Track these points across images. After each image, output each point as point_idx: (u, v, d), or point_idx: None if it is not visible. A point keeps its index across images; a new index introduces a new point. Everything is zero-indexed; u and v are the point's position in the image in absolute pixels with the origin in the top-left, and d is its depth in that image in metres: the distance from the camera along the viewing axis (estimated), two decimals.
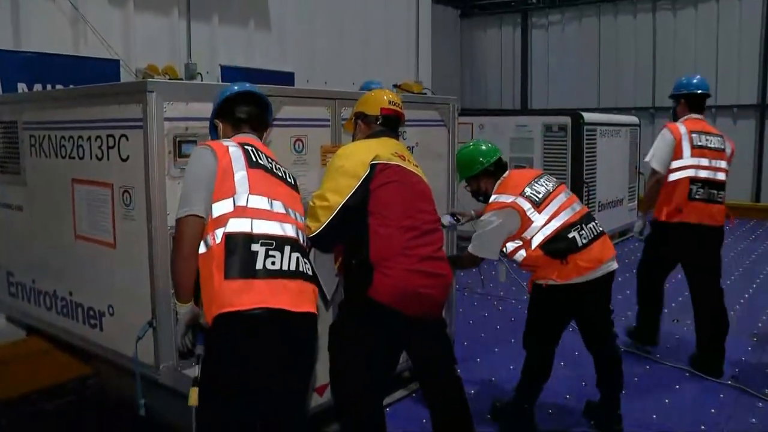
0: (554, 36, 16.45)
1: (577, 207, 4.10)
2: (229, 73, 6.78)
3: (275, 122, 3.58)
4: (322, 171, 3.91)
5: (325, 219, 3.17)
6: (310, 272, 2.82)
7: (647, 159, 5.38)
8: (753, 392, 4.81)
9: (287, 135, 3.71)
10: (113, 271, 3.48)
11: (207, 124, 3.29)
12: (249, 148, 2.81)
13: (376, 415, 3.53)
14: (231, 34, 6.60)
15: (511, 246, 4.03)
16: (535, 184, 4.07)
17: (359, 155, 3.33)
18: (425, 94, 8.39)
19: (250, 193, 2.69)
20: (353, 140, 3.67)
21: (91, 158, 3.51)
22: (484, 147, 4.27)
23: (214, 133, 3.08)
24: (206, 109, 3.28)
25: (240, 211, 2.65)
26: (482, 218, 4.07)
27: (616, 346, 4.31)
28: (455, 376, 3.65)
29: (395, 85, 8.30)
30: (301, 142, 3.80)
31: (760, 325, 6.49)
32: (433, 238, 3.43)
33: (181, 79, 5.91)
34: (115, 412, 4.51)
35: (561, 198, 4.08)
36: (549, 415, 4.54)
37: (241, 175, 2.70)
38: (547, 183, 4.13)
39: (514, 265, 4.19)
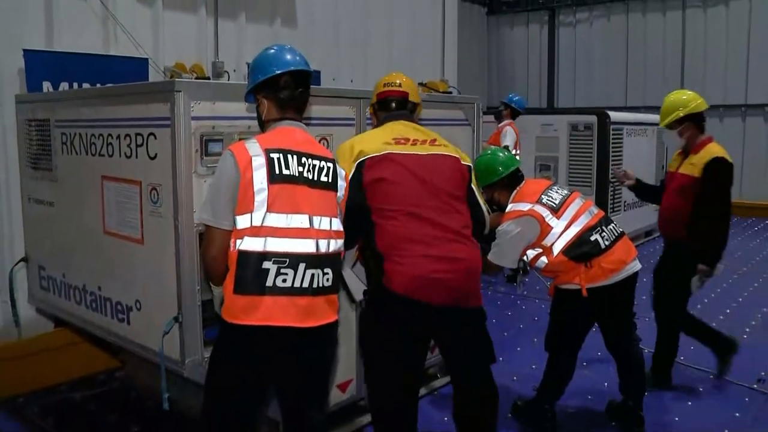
0: (582, 34, 16.30)
1: (594, 210, 4.09)
2: None
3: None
4: None
5: None
6: (329, 283, 2.81)
7: None
8: None
9: (313, 134, 3.69)
10: (140, 267, 3.54)
11: (233, 123, 3.37)
12: (275, 156, 2.70)
13: (405, 409, 3.48)
14: (258, 32, 6.63)
15: (531, 254, 4.02)
16: (550, 192, 4.06)
17: (344, 156, 3.30)
18: (451, 92, 8.38)
19: (267, 211, 2.66)
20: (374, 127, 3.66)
21: (120, 156, 3.57)
22: (502, 156, 4.23)
23: (251, 97, 2.94)
24: (233, 108, 3.35)
25: (255, 230, 2.65)
26: (500, 228, 3.99)
27: (639, 348, 4.29)
28: (485, 374, 3.56)
29: (421, 84, 8.31)
30: (326, 141, 3.83)
31: None
32: (449, 219, 3.27)
33: (208, 78, 5.97)
34: (143, 404, 4.61)
35: (578, 202, 4.06)
36: (570, 415, 4.53)
37: (260, 191, 2.66)
38: (561, 190, 4.13)
39: (537, 271, 4.18)
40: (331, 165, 2.90)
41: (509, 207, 4.08)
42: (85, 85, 5.12)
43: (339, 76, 7.70)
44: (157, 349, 3.33)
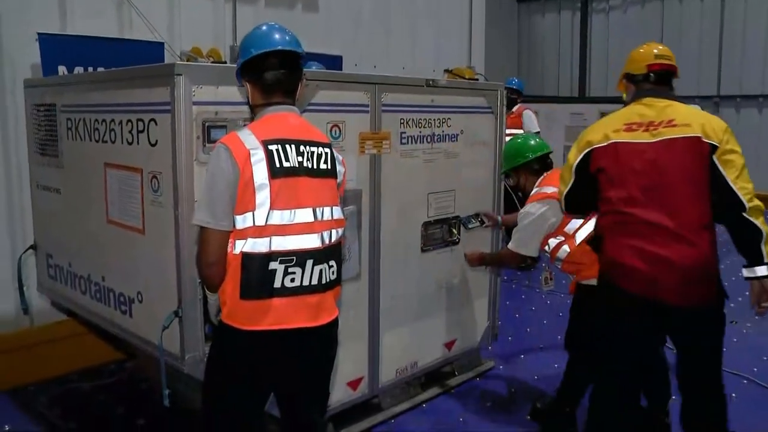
0: (615, 20, 15.87)
1: None
2: None
3: (310, 107, 3.47)
4: (359, 159, 3.78)
5: (561, 203, 3.37)
6: (334, 276, 2.67)
7: None
8: None
9: (323, 120, 3.57)
10: (142, 258, 3.41)
11: (238, 108, 3.19)
12: (274, 148, 2.52)
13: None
14: (277, 17, 6.47)
15: (553, 242, 3.83)
16: None
17: (578, 144, 3.20)
18: (477, 80, 8.13)
19: (270, 209, 2.48)
20: (624, 104, 3.34)
21: (122, 142, 3.43)
22: (533, 141, 4.17)
23: (240, 79, 2.73)
24: (237, 92, 3.18)
25: (258, 230, 2.47)
26: (522, 210, 3.91)
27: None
28: (712, 384, 3.15)
29: (446, 70, 8.08)
30: (338, 128, 3.66)
31: None
32: (669, 212, 2.93)
33: (225, 62, 5.82)
34: (152, 396, 4.50)
35: None
36: None
37: (262, 187, 2.47)
38: None
39: (557, 266, 3.97)
40: (328, 150, 2.69)
41: (534, 190, 3.99)
42: (100, 70, 5.01)
43: (361, 62, 7.49)
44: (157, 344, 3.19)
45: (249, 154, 2.47)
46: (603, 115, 8.27)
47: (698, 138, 2.96)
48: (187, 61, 5.44)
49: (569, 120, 9.47)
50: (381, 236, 3.97)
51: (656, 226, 2.94)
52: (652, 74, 3.24)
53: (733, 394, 4.46)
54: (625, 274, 3.02)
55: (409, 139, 4.07)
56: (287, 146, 2.56)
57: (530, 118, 8.19)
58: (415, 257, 4.25)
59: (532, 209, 3.88)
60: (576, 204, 3.34)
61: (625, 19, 15.73)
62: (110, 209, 3.60)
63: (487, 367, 5.05)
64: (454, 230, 4.46)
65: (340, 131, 3.66)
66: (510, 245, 4.00)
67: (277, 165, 2.51)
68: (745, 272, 3.01)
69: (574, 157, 3.19)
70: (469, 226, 4.48)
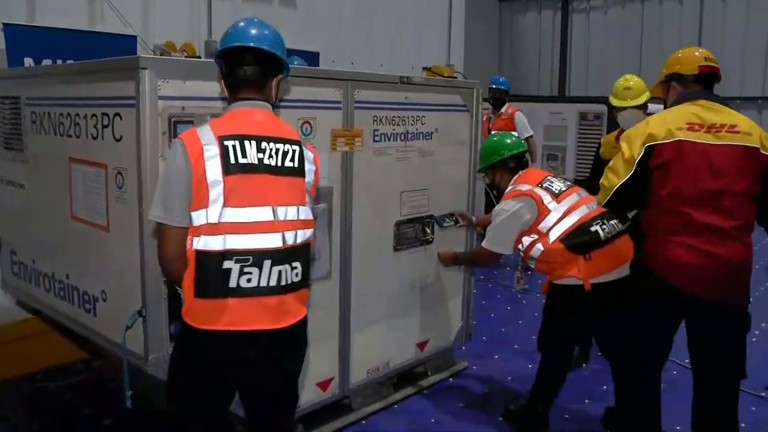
0: (595, 21, 15.95)
1: (595, 206, 3.86)
2: None
3: (281, 103, 3.40)
4: (331, 156, 3.73)
5: (603, 199, 3.29)
6: (298, 278, 2.57)
7: None
8: None
9: (294, 117, 3.50)
10: (106, 256, 3.33)
11: (205, 103, 3.13)
12: (230, 143, 2.44)
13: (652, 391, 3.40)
14: (254, 11, 6.41)
15: (527, 241, 3.80)
16: (552, 179, 3.95)
17: (637, 139, 3.17)
18: (456, 78, 8.10)
19: (224, 206, 2.40)
20: (666, 104, 3.43)
21: (87, 137, 3.34)
22: (509, 140, 4.14)
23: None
24: (205, 87, 3.11)
25: (212, 228, 2.40)
26: (497, 208, 3.89)
27: None
28: (732, 384, 3.29)
29: (425, 68, 8.05)
30: (309, 124, 3.59)
31: None
32: (725, 214, 3.05)
33: (200, 57, 5.75)
34: (119, 395, 4.41)
35: (580, 193, 3.92)
36: (565, 420, 4.30)
37: (215, 184, 2.39)
38: (564, 182, 4.00)
39: (530, 268, 3.94)
40: (297, 148, 2.60)
41: (509, 188, 3.98)
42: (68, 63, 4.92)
43: (339, 59, 7.45)
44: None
45: (202, 149, 2.40)
46: (582, 115, 8.27)
47: (758, 149, 3.09)
48: (161, 55, 5.36)
49: (549, 119, 9.45)
50: (352, 235, 3.91)
51: (713, 227, 3.04)
52: (702, 76, 3.32)
53: None
54: (678, 271, 3.09)
55: (383, 136, 4.02)
56: (246, 142, 2.48)
57: (523, 121, 8.00)
58: (387, 256, 4.20)
59: (506, 206, 3.85)
60: (624, 199, 3.28)
61: (605, 20, 15.82)
62: (75, 205, 3.52)
63: (461, 367, 5.01)
64: (427, 229, 4.41)
65: (311, 128, 3.60)
66: (484, 243, 3.97)
67: (232, 161, 2.43)
68: None
69: (636, 150, 3.14)
70: (444, 225, 4.44)
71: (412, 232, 4.33)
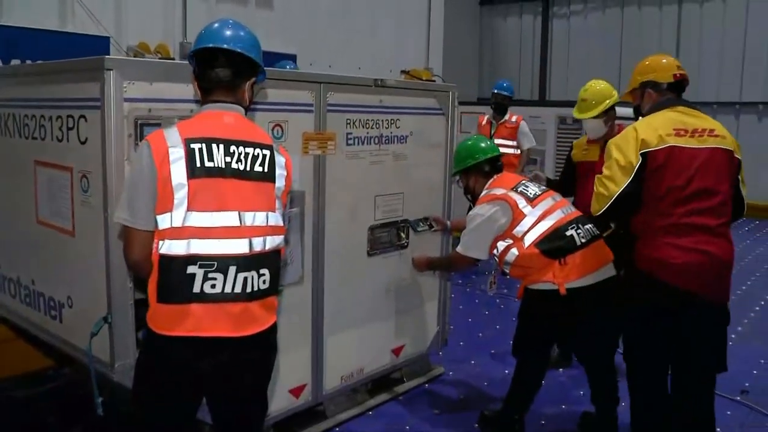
0: (576, 26, 16.01)
1: (570, 209, 3.86)
2: None
3: (252, 106, 3.34)
4: (303, 159, 3.67)
5: (600, 208, 3.25)
6: (266, 285, 2.51)
7: None
8: (763, 411, 4.50)
9: (265, 120, 3.45)
10: (72, 261, 3.26)
11: (173, 105, 3.07)
12: (197, 146, 2.38)
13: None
14: (230, 13, 6.35)
15: (502, 245, 3.77)
16: (527, 183, 3.93)
17: (630, 146, 3.21)
18: (434, 81, 8.08)
19: (188, 210, 2.35)
20: (641, 110, 3.54)
21: (52, 139, 3.28)
22: (483, 144, 4.09)
23: None
24: (173, 89, 3.06)
25: (176, 232, 2.35)
26: (472, 212, 3.86)
27: (611, 357, 4.04)
28: (711, 381, 3.37)
29: (403, 71, 8.02)
30: (281, 127, 3.54)
31: None
32: (712, 214, 3.18)
33: (174, 59, 5.67)
34: (90, 403, 4.32)
35: (555, 197, 3.91)
36: (542, 425, 4.27)
37: (179, 187, 2.34)
38: (539, 186, 3.98)
39: (506, 273, 3.90)
40: (267, 152, 2.54)
41: (483, 192, 3.94)
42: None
43: (317, 61, 7.41)
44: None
45: (168, 151, 2.35)
46: (561, 119, 8.21)
47: (733, 152, 3.29)
48: (134, 56, 5.28)
49: (528, 123, 9.41)
50: (325, 239, 3.86)
51: (703, 226, 3.16)
52: (676, 83, 3.45)
53: None
54: (674, 271, 3.15)
55: (356, 140, 3.97)
56: (214, 145, 2.42)
57: (526, 131, 7.78)
58: (361, 261, 4.15)
59: (481, 211, 3.82)
60: (624, 207, 3.24)
61: (585, 24, 15.89)
62: (40, 209, 3.45)
63: (437, 372, 4.97)
64: (402, 234, 4.37)
65: (282, 131, 3.54)
66: (458, 248, 3.94)
67: (198, 164, 2.38)
68: None
69: (633, 157, 3.19)
70: (418, 229, 4.40)
71: (387, 236, 4.29)
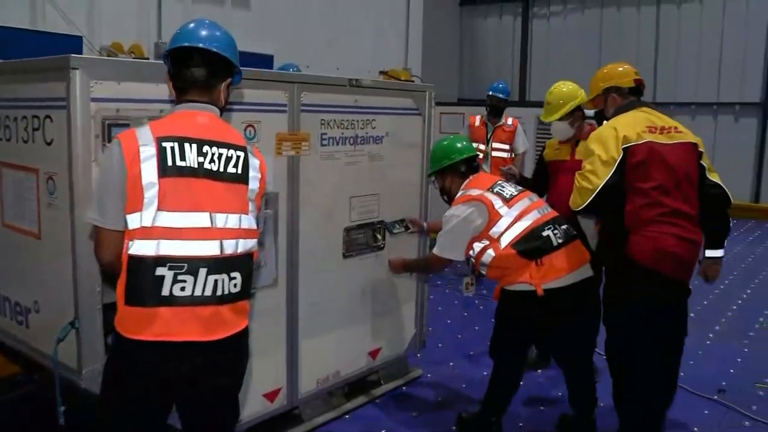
0: (555, 26, 16.07)
1: (547, 209, 3.83)
2: None
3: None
4: (277, 160, 3.62)
5: (583, 202, 3.39)
6: (237, 288, 2.46)
7: None
8: (740, 410, 4.50)
9: (238, 120, 3.39)
10: (38, 265, 3.18)
11: (142, 106, 3.01)
12: (169, 145, 2.35)
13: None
14: (206, 13, 6.26)
15: (478, 246, 3.73)
16: (503, 184, 3.89)
17: (611, 142, 3.40)
18: (413, 82, 8.05)
19: (158, 209, 2.30)
20: (605, 113, 3.77)
21: (17, 140, 3.19)
22: (459, 144, 4.04)
23: None
24: (142, 89, 3.00)
25: (146, 232, 2.29)
26: (447, 213, 3.82)
27: (589, 358, 4.03)
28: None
29: (382, 72, 7.99)
30: (253, 128, 3.49)
31: (751, 334, 6.17)
32: (689, 203, 3.42)
33: (148, 59, 5.59)
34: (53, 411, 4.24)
35: (532, 197, 3.88)
36: (519, 428, 4.25)
37: (150, 186, 2.29)
38: (515, 187, 3.95)
39: (482, 274, 3.87)
40: (242, 154, 2.50)
41: (459, 193, 3.90)
42: None
43: (295, 61, 7.31)
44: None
45: (138, 150, 2.30)
46: (541, 120, 8.22)
47: (696, 145, 3.53)
48: (107, 56, 5.20)
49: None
50: (300, 241, 3.81)
51: (686, 215, 3.39)
52: (636, 87, 3.72)
53: None
54: (668, 260, 3.32)
55: (331, 140, 3.93)
56: (186, 144, 2.38)
57: (523, 135, 7.58)
58: (336, 263, 4.10)
59: (456, 212, 3.78)
60: (605, 200, 3.38)
61: (565, 25, 15.95)
62: (6, 212, 3.37)
63: (415, 375, 4.93)
64: (378, 235, 4.33)
65: (255, 131, 3.49)
66: (434, 250, 3.90)
67: (169, 163, 2.33)
68: (712, 253, 3.65)
69: (614, 151, 3.38)
70: (394, 231, 4.36)
71: (363, 238, 4.24)
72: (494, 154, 7.25)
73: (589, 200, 3.37)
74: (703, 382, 4.89)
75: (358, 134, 4.10)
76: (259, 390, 3.74)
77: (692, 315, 6.45)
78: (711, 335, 6.12)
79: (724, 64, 13.77)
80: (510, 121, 7.50)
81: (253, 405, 3.69)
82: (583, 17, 15.66)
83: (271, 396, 3.83)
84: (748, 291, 7.70)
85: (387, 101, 4.31)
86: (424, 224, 4.56)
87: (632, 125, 3.46)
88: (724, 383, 4.92)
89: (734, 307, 7.04)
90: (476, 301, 6.88)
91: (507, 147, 7.37)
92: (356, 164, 4.12)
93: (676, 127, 3.54)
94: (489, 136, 7.39)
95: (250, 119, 3.47)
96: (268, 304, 3.68)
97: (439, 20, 15.42)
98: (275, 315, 3.77)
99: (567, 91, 4.66)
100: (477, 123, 7.52)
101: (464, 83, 17.03)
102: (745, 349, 5.72)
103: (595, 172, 3.38)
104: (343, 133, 4.00)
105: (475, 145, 6.84)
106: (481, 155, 6.87)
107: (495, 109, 7.39)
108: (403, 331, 4.75)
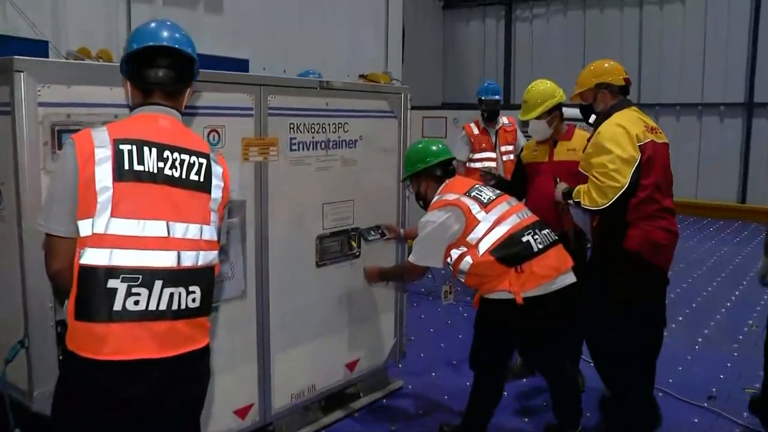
0: (538, 29, 16.00)
1: (527, 213, 3.68)
2: None
3: (186, 110, 3.13)
4: (243, 166, 3.46)
5: (613, 197, 3.52)
6: (195, 303, 2.29)
7: None
8: (730, 417, 4.37)
9: (200, 125, 3.24)
10: None
11: (95, 110, 2.84)
12: (126, 148, 2.19)
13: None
14: (177, 17, 6.06)
15: (455, 254, 3.57)
16: (481, 188, 3.73)
17: (627, 141, 3.55)
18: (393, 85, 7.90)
19: (111, 216, 2.14)
20: (594, 111, 3.89)
21: None
22: (434, 147, 3.88)
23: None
24: (95, 93, 2.85)
25: (97, 240, 2.12)
26: (423, 219, 3.66)
27: (573, 369, 3.88)
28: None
29: (361, 75, 7.82)
30: (217, 133, 3.32)
31: (741, 337, 6.05)
32: (670, 198, 3.75)
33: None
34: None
35: (511, 201, 3.72)
36: None
37: (103, 190, 2.13)
38: (494, 190, 3.79)
39: (460, 280, 3.70)
40: (204, 161, 2.36)
41: (435, 198, 3.74)
42: None
43: (270, 66, 7.18)
44: None
45: (93, 151, 2.14)
46: (525, 122, 8.06)
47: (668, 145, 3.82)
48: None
49: None
50: (269, 250, 3.64)
51: (671, 209, 3.69)
52: (625, 86, 3.85)
53: None
54: (661, 252, 3.64)
55: (301, 145, 3.77)
56: (146, 148, 2.23)
57: (521, 132, 7.07)
58: (309, 272, 3.93)
59: (432, 217, 3.62)
60: (625, 197, 3.55)
61: (548, 28, 15.88)
62: None
63: (396, 386, 4.77)
64: (353, 243, 4.17)
65: (219, 136, 3.33)
66: (410, 258, 3.75)
67: (126, 167, 2.17)
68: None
69: (633, 150, 3.54)
70: (369, 238, 4.19)
71: (337, 246, 4.08)
72: (504, 158, 6.88)
73: (614, 198, 3.51)
74: (693, 389, 4.76)
75: (330, 138, 3.94)
76: (229, 407, 3.58)
77: (680, 319, 6.50)
78: (700, 339, 6.00)
79: (707, 65, 13.73)
80: (506, 120, 7.09)
81: (223, 422, 3.53)
82: (566, 19, 15.60)
83: (242, 412, 3.66)
84: (737, 293, 7.58)
85: (360, 104, 4.15)
86: (401, 231, 4.40)
87: (635, 124, 3.63)
88: (714, 389, 4.78)
89: (723, 310, 6.93)
90: (460, 309, 6.71)
91: (512, 147, 6.98)
92: (328, 169, 3.96)
93: (658, 128, 3.78)
94: (495, 141, 6.90)
95: (214, 124, 3.31)
96: (236, 317, 3.52)
97: (423, 24, 15.34)
98: (244, 328, 3.60)
99: (544, 89, 4.54)
100: (476, 131, 6.93)
101: (448, 87, 16.91)
102: (735, 354, 5.59)
103: (620, 171, 3.51)
104: (313, 138, 3.84)
105: (484, 155, 6.72)
106: (494, 164, 6.61)
107: (492, 113, 6.95)
108: (381, 341, 4.58)
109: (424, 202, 3.84)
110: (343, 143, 4.04)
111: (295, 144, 3.73)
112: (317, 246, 3.96)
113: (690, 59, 13.84)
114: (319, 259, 3.98)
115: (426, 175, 3.81)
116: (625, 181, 3.51)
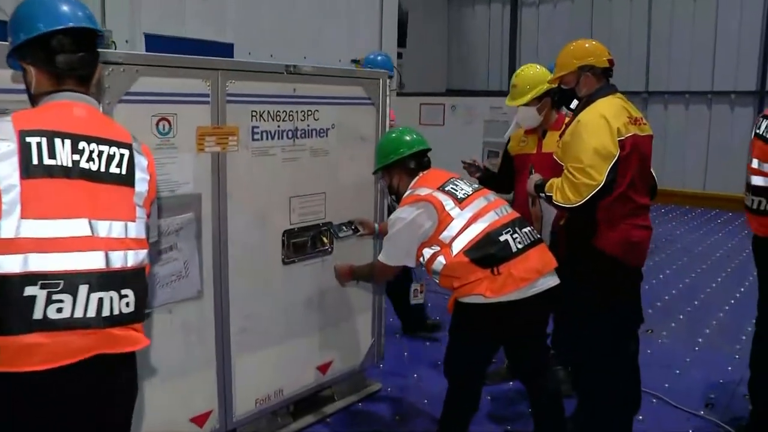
0: (545, 15, 15.60)
1: (506, 210, 3.40)
2: (155, 43, 6.04)
3: (127, 97, 2.89)
4: (198, 157, 3.21)
5: (587, 195, 3.21)
6: (130, 308, 2.07)
7: None
8: (726, 427, 4.09)
9: (148, 113, 2.99)
10: None
11: (18, 97, 2.57)
12: (35, 140, 1.96)
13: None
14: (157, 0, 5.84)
15: (428, 253, 3.32)
16: (457, 181, 3.44)
17: (607, 135, 3.25)
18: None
19: (22, 217, 1.90)
20: (577, 92, 3.53)
21: None
22: (408, 137, 3.60)
23: (16, 63, 2.17)
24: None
25: (7, 244, 1.89)
26: (393, 215, 3.41)
27: (554, 378, 3.63)
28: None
29: (353, 61, 7.57)
30: (168, 122, 3.07)
31: (743, 338, 5.74)
32: (647, 194, 3.55)
33: None
34: None
35: (489, 197, 3.44)
36: None
37: (9, 189, 1.90)
38: (472, 184, 3.51)
39: (435, 280, 3.44)
40: (126, 152, 2.13)
41: (407, 192, 3.47)
42: None
43: (257, 50, 6.89)
44: None
45: None
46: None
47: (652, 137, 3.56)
48: None
49: (489, 114, 8.98)
50: (228, 248, 3.40)
51: (646, 206, 3.49)
52: (609, 68, 3.53)
53: (640, 416, 4.05)
54: (634, 250, 3.43)
55: (264, 134, 3.51)
56: (57, 140, 1.99)
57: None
58: (275, 270, 3.69)
59: (402, 214, 3.36)
60: (600, 195, 3.25)
61: (555, 13, 15.49)
62: None
63: (373, 389, 4.53)
64: (324, 239, 3.92)
65: (170, 126, 3.07)
66: (380, 257, 3.50)
67: (35, 162, 1.94)
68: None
69: (613, 147, 3.24)
70: (340, 234, 3.93)
71: (306, 242, 3.83)
72: None
73: (588, 197, 3.20)
74: (690, 395, 4.50)
75: (297, 127, 3.68)
76: (185, 414, 3.35)
77: (681, 317, 6.21)
78: (700, 339, 5.72)
79: (718, 52, 13.31)
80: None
81: (179, 431, 3.30)
82: (573, 5, 15.19)
83: (200, 420, 3.43)
84: (742, 289, 7.27)
85: (332, 90, 3.88)
86: (376, 226, 4.12)
87: (618, 115, 3.34)
88: (712, 396, 4.51)
89: (726, 308, 6.63)
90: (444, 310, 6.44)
91: None
92: (296, 160, 3.70)
93: (643, 118, 3.49)
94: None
95: (164, 112, 3.05)
96: (192, 318, 3.29)
97: (427, 10, 15.00)
98: (201, 331, 3.36)
99: (534, 74, 4.26)
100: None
101: (452, 73, 16.59)
102: (737, 356, 5.29)
103: (596, 167, 3.21)
104: (279, 126, 3.58)
105: None
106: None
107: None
108: (358, 342, 4.34)
109: (397, 196, 3.58)
110: (313, 132, 3.77)
111: (258, 133, 3.47)
112: (284, 242, 3.71)
113: (700, 45, 13.42)
114: (286, 257, 3.73)
115: (399, 168, 3.55)
116: (601, 178, 3.20)
